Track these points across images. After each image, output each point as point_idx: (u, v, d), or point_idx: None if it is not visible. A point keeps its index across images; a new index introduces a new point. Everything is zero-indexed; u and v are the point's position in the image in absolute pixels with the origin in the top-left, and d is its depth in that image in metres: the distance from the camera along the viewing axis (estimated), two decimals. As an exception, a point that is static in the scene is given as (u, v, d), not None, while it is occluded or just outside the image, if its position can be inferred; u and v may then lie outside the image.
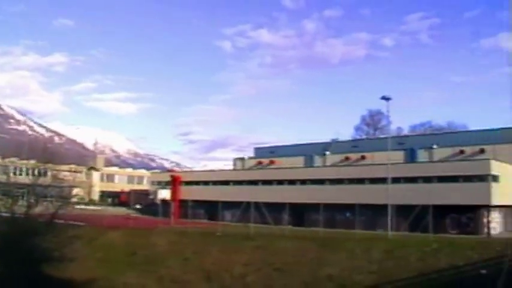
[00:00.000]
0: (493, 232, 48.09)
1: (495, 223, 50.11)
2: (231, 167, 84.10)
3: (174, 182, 74.74)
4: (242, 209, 57.50)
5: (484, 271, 31.13)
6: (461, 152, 58.61)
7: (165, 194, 73.33)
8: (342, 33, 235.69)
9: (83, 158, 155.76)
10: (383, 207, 48.94)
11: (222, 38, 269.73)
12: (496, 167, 49.98)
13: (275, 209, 56.91)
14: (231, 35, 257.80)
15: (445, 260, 36.46)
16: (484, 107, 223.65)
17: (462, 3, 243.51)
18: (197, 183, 74.38)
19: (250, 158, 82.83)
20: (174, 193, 73.02)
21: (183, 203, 70.84)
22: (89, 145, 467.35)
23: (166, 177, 78.54)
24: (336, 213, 56.08)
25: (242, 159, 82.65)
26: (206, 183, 72.99)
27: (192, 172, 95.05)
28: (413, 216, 47.26)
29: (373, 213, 52.51)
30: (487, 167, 49.67)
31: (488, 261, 32.59)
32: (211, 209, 65.39)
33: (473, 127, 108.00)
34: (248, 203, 56.08)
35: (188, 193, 71.01)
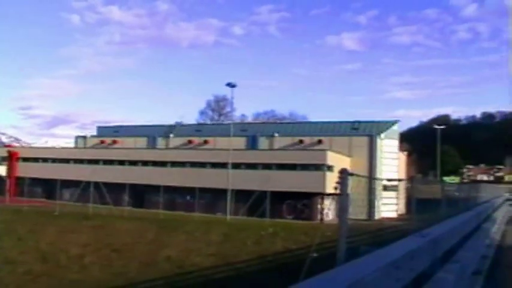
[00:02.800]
0: (326, 218, 50.47)
1: (328, 210, 52.66)
2: (73, 145, 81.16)
3: (11, 158, 70.68)
4: (81, 188, 55.95)
5: (315, 254, 32.57)
6: (301, 141, 60.78)
7: (0, 170, 69.20)
8: (193, 18, 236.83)
9: None
10: (223, 192, 49.92)
11: (70, 11, 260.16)
12: (332, 158, 52.50)
13: (115, 189, 55.78)
14: (81, 8, 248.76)
15: (280, 243, 37.93)
16: (323, 101, 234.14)
17: (309, 1, 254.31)
18: (36, 160, 70.76)
19: (93, 136, 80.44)
20: (10, 169, 69.08)
21: (19, 180, 67.11)
22: None
23: (3, 153, 74.02)
24: (176, 195, 56.19)
25: (84, 137, 79.97)
26: (45, 160, 69.71)
27: (31, 148, 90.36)
28: (252, 201, 48.71)
29: (213, 197, 53.22)
30: (323, 157, 52.08)
31: (320, 245, 34.18)
32: (49, 187, 62.68)
33: (312, 118, 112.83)
34: (88, 182, 54.63)
35: (25, 170, 67.27)
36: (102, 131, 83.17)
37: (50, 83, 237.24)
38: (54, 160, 68.81)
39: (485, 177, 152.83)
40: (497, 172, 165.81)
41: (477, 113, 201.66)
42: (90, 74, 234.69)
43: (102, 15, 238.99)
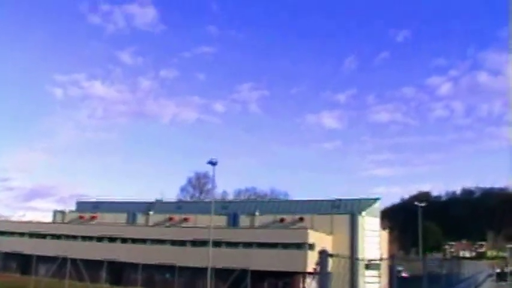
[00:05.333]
0: (307, 297, 49.80)
1: (309, 289, 51.98)
2: (51, 219, 79.83)
3: (-14, 231, 69.11)
4: (58, 264, 54.70)
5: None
6: (282, 220, 60.65)
7: (-26, 243, 67.45)
8: (175, 94, 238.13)
9: None
10: (203, 270, 49.13)
11: (53, 85, 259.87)
12: (313, 236, 52.29)
13: (93, 265, 54.63)
14: (64, 82, 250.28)
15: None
16: (303, 178, 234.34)
17: (289, 80, 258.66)
18: (12, 233, 69.36)
19: (72, 211, 79.54)
20: (-15, 243, 67.30)
21: (-7, 254, 65.37)
22: None
23: (-22, 226, 72.47)
24: (155, 273, 55.26)
25: (63, 212, 79.03)
26: (22, 234, 68.36)
27: (7, 222, 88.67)
28: (233, 280, 47.93)
29: (193, 275, 52.41)
30: (304, 236, 51.88)
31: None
32: (24, 262, 61.33)
33: (293, 195, 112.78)
34: (65, 258, 53.51)
35: (0, 244, 65.68)
36: (82, 206, 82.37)
37: (28, 155, 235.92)
38: (31, 235, 67.52)
39: (467, 254, 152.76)
40: (479, 248, 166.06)
41: (457, 189, 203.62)
42: (70, 147, 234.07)
43: (85, 90, 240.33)
